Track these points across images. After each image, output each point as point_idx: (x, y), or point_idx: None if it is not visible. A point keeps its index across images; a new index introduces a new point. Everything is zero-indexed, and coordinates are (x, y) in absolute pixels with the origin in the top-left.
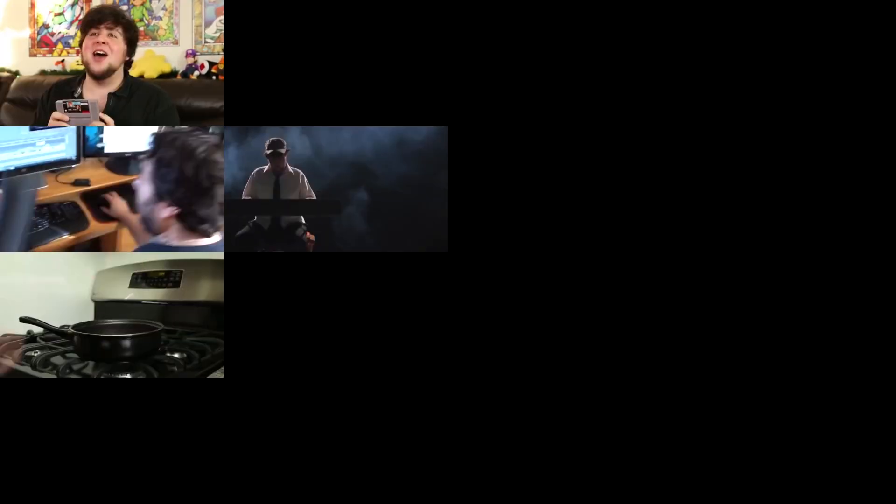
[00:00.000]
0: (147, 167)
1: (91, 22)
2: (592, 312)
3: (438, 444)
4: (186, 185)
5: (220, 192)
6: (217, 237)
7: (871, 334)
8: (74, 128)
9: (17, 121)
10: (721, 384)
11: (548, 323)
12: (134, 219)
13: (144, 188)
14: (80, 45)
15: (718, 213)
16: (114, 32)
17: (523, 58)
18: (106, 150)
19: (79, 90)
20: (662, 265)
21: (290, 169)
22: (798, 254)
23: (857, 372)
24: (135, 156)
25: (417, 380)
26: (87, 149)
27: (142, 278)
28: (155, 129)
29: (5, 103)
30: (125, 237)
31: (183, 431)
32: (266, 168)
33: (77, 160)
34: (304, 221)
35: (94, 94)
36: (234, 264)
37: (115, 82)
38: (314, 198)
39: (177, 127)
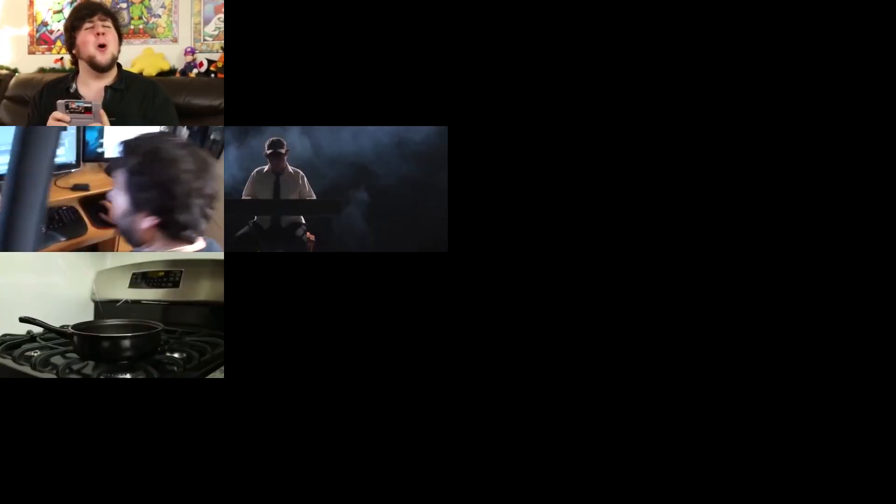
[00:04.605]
0: (120, 177)
1: (84, 15)
2: (593, 313)
3: (438, 445)
4: (162, 192)
5: (199, 196)
6: (201, 243)
7: (871, 334)
8: (74, 131)
9: (17, 118)
10: (722, 385)
11: (548, 323)
12: None
13: (120, 199)
14: (72, 42)
15: (719, 214)
16: (107, 23)
17: (523, 58)
18: (106, 156)
19: (73, 86)
20: (663, 264)
21: (291, 169)
22: (798, 254)
23: (857, 372)
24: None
25: (417, 380)
26: (87, 153)
27: (141, 278)
28: (127, 136)
29: (4, 101)
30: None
31: (183, 432)
32: (266, 168)
33: (77, 164)
34: (304, 221)
35: (91, 88)
36: (234, 264)
37: (111, 75)
38: (314, 198)
39: (145, 132)
